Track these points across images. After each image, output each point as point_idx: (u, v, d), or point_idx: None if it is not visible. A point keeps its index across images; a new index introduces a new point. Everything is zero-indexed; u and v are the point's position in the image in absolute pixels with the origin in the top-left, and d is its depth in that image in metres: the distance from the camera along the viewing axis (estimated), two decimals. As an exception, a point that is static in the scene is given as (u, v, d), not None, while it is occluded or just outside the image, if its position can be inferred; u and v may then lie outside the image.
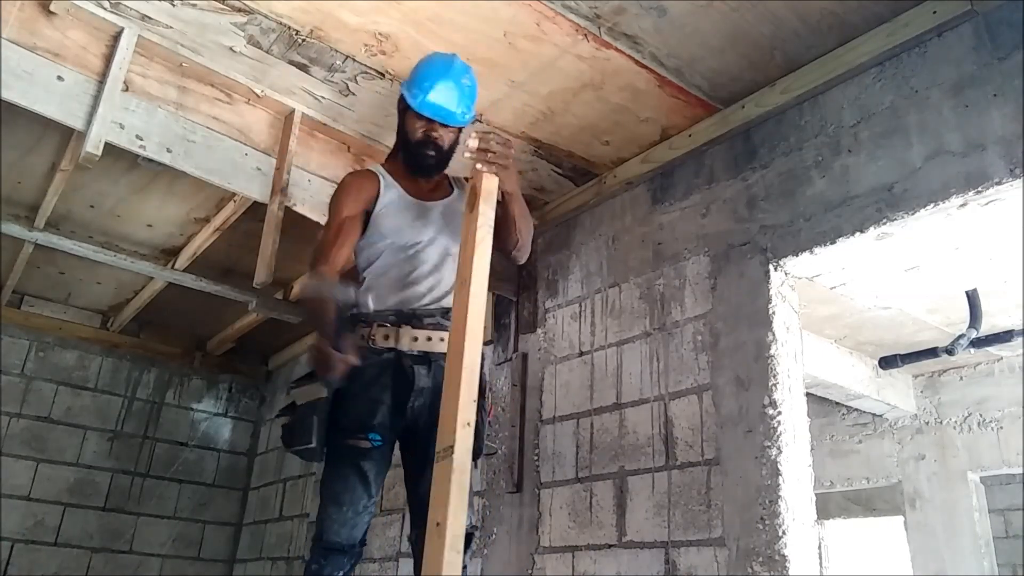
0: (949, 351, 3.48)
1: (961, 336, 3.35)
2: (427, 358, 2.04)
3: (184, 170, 2.58)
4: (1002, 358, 3.84)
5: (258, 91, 2.68)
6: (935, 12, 2.08)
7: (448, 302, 2.08)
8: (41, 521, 4.48)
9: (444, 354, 1.90)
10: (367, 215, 2.13)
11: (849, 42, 2.26)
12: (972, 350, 3.51)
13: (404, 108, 2.16)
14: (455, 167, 2.26)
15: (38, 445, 4.57)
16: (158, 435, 5.00)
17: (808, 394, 2.38)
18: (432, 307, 2.10)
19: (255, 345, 5.22)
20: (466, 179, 2.12)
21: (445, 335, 1.99)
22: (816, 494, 2.19)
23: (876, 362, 3.93)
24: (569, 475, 2.76)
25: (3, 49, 2.23)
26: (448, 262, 2.14)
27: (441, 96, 2.07)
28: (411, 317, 2.07)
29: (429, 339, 2.05)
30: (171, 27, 2.41)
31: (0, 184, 3.36)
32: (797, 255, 2.27)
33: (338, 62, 2.50)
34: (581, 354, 2.90)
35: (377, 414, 2.01)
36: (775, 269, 2.32)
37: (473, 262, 1.77)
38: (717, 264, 2.49)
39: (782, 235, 2.32)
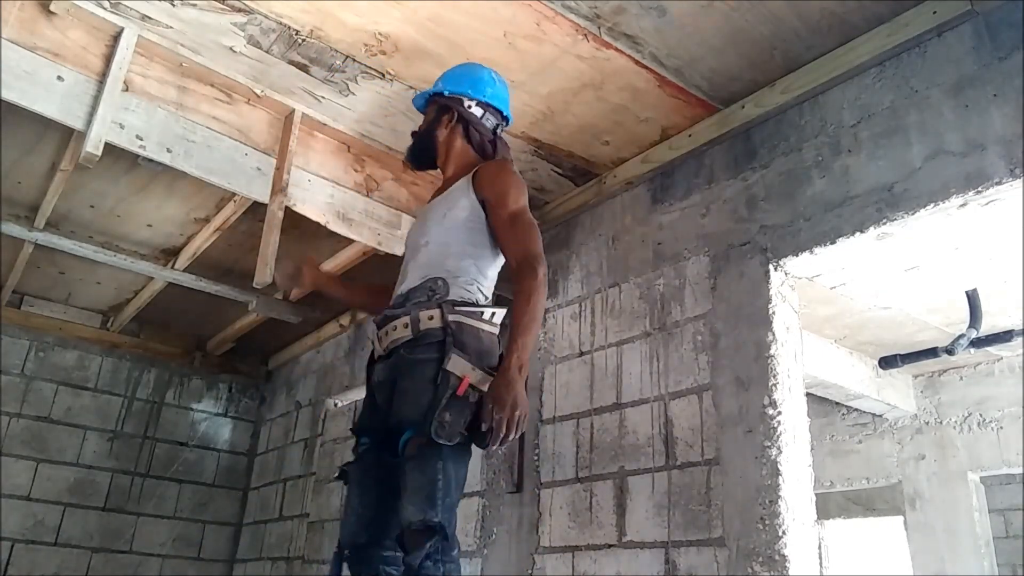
0: (949, 351, 3.48)
1: (961, 336, 3.35)
2: (390, 352, 1.99)
3: (184, 170, 2.58)
4: (1002, 358, 3.84)
5: (258, 91, 2.68)
6: (935, 12, 2.08)
7: (406, 287, 2.04)
8: (41, 521, 4.48)
9: (404, 340, 1.92)
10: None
11: (849, 42, 2.26)
12: (972, 350, 3.51)
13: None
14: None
15: (38, 445, 4.57)
16: (158, 435, 5.00)
17: (808, 394, 2.38)
18: (396, 301, 2.06)
19: (255, 345, 5.21)
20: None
21: (400, 321, 1.95)
22: (816, 494, 2.19)
23: (876, 362, 3.93)
24: (569, 475, 2.76)
25: (3, 49, 2.22)
26: (414, 253, 2.11)
27: None
28: (382, 320, 2.04)
29: (387, 333, 2.00)
30: (171, 27, 2.41)
31: (0, 184, 3.36)
32: (797, 255, 2.27)
33: (338, 62, 2.50)
34: (581, 354, 2.90)
35: (363, 417, 2.08)
36: (775, 269, 2.32)
37: None
38: (717, 264, 2.49)
39: (782, 235, 2.32)
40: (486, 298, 2.04)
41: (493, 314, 1.98)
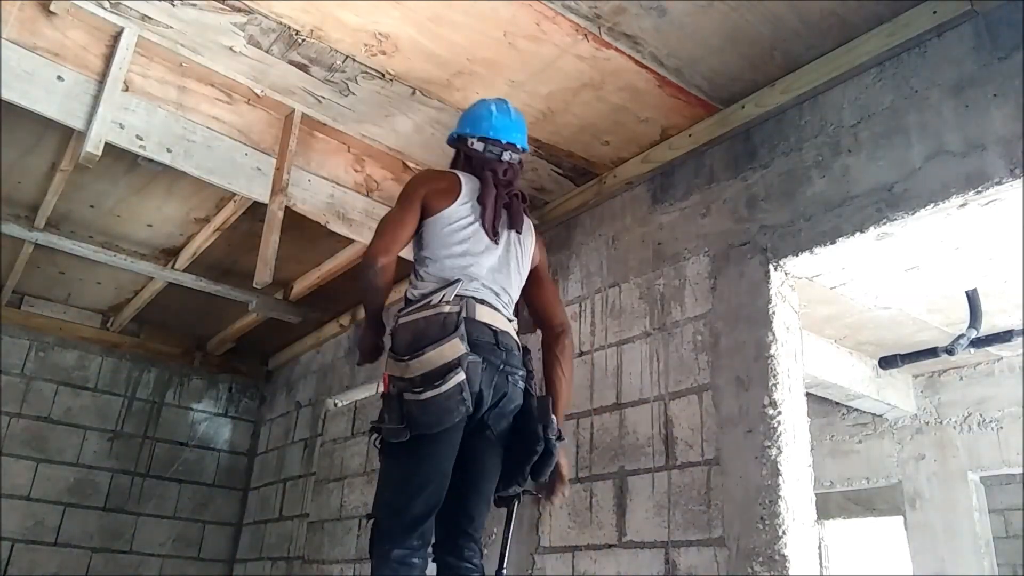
0: (949, 351, 3.48)
1: (961, 336, 3.35)
2: None
3: (184, 170, 2.58)
4: (1002, 358, 3.84)
5: (258, 91, 2.68)
6: (935, 12, 2.08)
7: None
8: (41, 521, 4.48)
9: None
10: None
11: (849, 42, 2.26)
12: (972, 350, 3.51)
13: None
14: None
15: (38, 445, 4.57)
16: (158, 435, 5.01)
17: (808, 394, 2.37)
18: None
19: (255, 345, 5.22)
20: None
21: None
22: (816, 494, 2.18)
23: (876, 362, 3.93)
24: (569, 475, 2.75)
25: (3, 49, 2.23)
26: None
27: None
28: None
29: None
30: (171, 27, 2.41)
31: (0, 184, 3.36)
32: (797, 255, 2.27)
33: (338, 62, 2.50)
34: (581, 354, 2.90)
35: None
36: (775, 269, 2.32)
37: None
38: (717, 264, 2.49)
39: (782, 235, 2.32)
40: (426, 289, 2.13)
41: (429, 301, 2.08)
